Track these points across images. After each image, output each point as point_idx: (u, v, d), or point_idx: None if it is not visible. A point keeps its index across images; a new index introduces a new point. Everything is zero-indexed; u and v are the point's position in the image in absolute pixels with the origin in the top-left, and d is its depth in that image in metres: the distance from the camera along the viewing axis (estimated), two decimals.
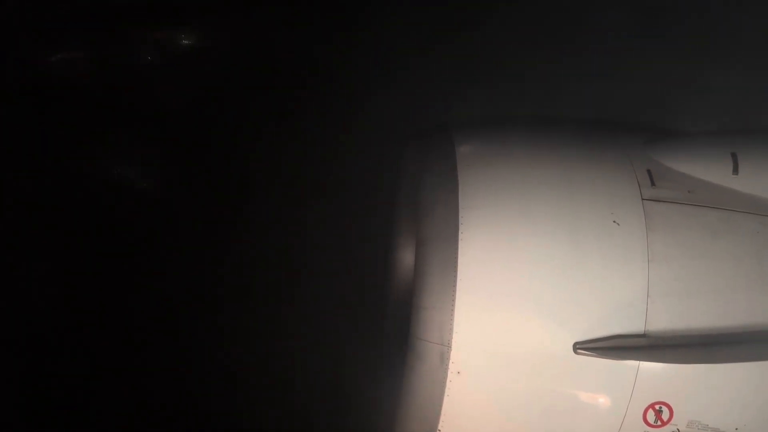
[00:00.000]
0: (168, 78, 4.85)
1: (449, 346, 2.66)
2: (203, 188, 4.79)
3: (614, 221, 2.74)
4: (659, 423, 2.72)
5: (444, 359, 2.67)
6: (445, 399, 2.71)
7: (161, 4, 4.90)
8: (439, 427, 2.77)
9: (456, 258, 2.68)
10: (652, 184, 2.85)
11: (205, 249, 4.65)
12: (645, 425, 2.72)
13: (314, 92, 4.77)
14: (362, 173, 4.34)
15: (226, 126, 4.76)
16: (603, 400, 2.71)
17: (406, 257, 3.41)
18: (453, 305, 2.65)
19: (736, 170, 2.93)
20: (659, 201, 2.82)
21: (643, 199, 2.81)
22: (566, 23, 4.39)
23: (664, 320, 2.66)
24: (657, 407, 2.71)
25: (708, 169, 2.94)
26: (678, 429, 2.74)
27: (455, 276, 2.66)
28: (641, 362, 2.65)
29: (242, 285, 4.61)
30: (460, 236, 2.70)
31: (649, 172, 2.88)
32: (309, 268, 4.51)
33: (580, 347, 2.62)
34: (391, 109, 4.30)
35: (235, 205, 4.70)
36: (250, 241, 4.53)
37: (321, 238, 4.51)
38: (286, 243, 4.56)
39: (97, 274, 4.69)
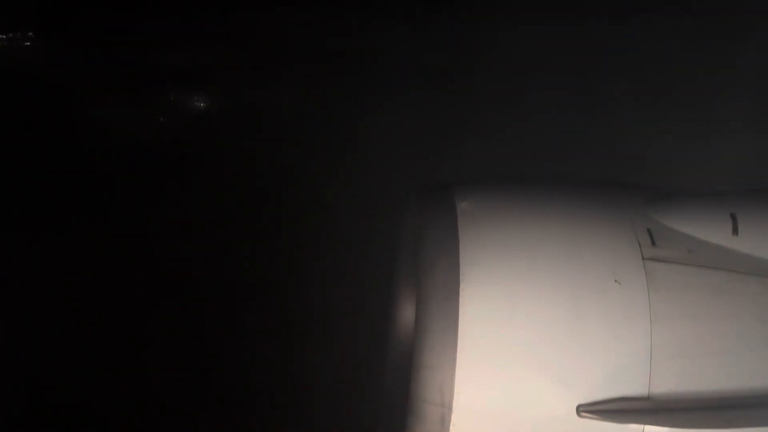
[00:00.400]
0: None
1: (450, 408, 2.59)
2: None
3: (616, 280, 2.72)
4: None
5: (445, 422, 2.60)
6: None
7: None
8: None
9: (457, 315, 2.64)
10: (653, 243, 2.83)
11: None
12: None
13: (313, 148, 4.81)
14: (363, 228, 4.33)
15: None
16: None
17: (406, 314, 3.36)
18: (454, 364, 2.59)
19: (735, 231, 2.92)
20: (660, 261, 2.79)
21: (644, 259, 2.78)
22: (568, 85, 4.45)
23: (668, 383, 2.61)
24: None
25: (708, 230, 2.93)
26: None
27: (456, 333, 2.62)
28: (646, 426, 2.59)
29: (241, 334, 4.57)
30: (461, 293, 2.66)
31: (649, 231, 2.87)
32: (307, 326, 4.46)
33: (584, 410, 2.57)
34: (392, 164, 4.32)
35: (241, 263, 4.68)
36: (245, 298, 4.50)
37: (320, 294, 4.48)
38: (284, 297, 4.53)
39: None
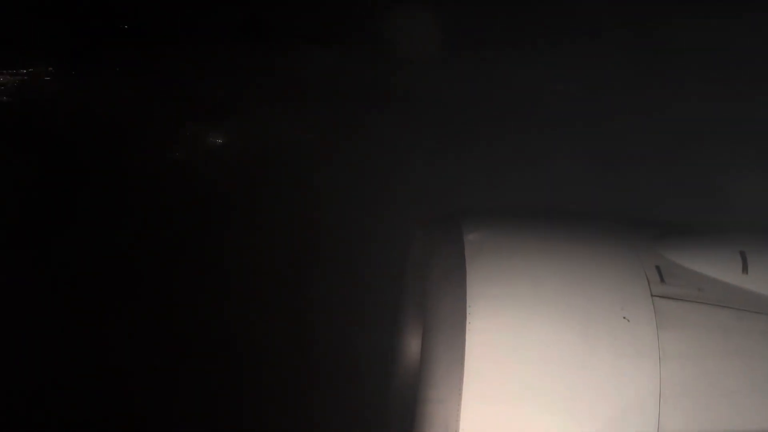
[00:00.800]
0: None
1: None
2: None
3: (624, 317, 2.69)
4: None
5: None
6: None
7: None
8: None
9: (463, 348, 2.60)
10: (662, 280, 2.81)
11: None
12: None
13: (321, 178, 4.84)
14: (369, 258, 4.32)
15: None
16: None
17: (412, 346, 3.33)
18: (460, 399, 2.55)
19: (745, 269, 2.89)
20: (669, 298, 2.77)
21: (652, 296, 2.75)
22: (578, 118, 4.47)
23: (677, 422, 2.56)
24: None
25: (717, 267, 2.90)
26: None
27: (462, 367, 2.58)
28: None
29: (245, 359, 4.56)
30: (468, 326, 2.63)
31: (658, 268, 2.85)
32: (312, 357, 4.44)
33: None
34: (400, 195, 4.33)
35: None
36: (250, 324, 4.49)
37: (325, 324, 4.46)
38: (289, 327, 4.52)
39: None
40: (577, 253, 2.87)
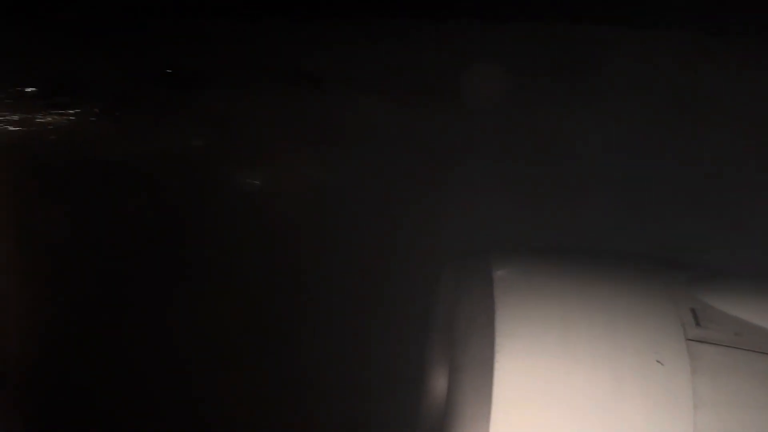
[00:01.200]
0: None
1: None
2: None
3: (657, 361, 2.62)
4: None
5: None
6: None
7: None
8: None
9: (491, 388, 2.55)
10: (697, 324, 2.74)
11: None
12: None
13: (344, 210, 4.85)
14: (395, 295, 4.30)
15: None
16: None
17: (438, 384, 3.28)
18: None
19: None
20: (705, 342, 2.69)
21: (687, 340, 2.68)
22: (611, 158, 4.44)
23: None
24: None
25: (756, 312, 2.82)
26: None
27: (489, 408, 2.53)
28: None
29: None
30: (496, 365, 2.58)
31: (693, 311, 2.78)
32: (335, 392, 4.41)
33: None
34: (428, 230, 4.33)
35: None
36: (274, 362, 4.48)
37: (350, 359, 4.43)
38: (311, 360, 4.50)
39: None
40: (609, 294, 2.82)
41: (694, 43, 4.69)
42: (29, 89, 5.09)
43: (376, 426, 4.19)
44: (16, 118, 5.07)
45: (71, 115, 5.18)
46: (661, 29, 4.65)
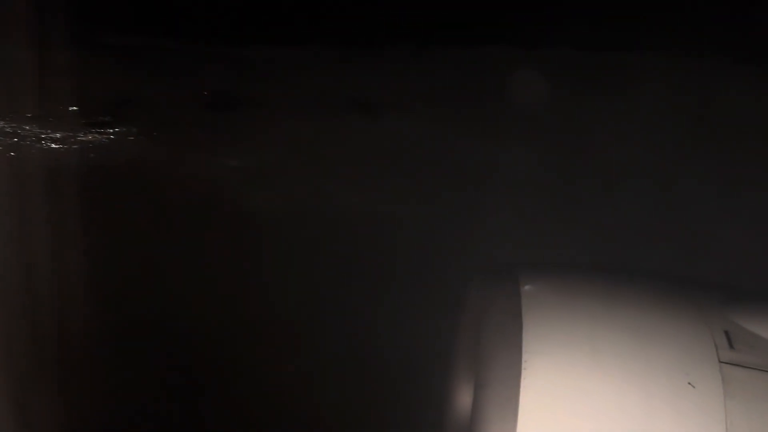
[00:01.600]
0: None
1: None
2: None
3: (689, 383, 2.55)
4: None
5: None
6: None
7: None
8: None
9: (517, 407, 2.50)
10: (731, 346, 2.67)
11: None
12: None
13: (371, 223, 4.85)
14: (422, 308, 4.28)
15: None
16: None
17: (463, 400, 3.23)
18: None
19: None
20: (738, 365, 2.62)
21: (720, 362, 2.62)
22: (645, 177, 4.41)
23: None
24: None
25: None
26: None
27: (514, 426, 2.48)
28: None
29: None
30: (523, 383, 2.53)
31: (727, 333, 2.71)
32: (361, 407, 4.39)
33: None
34: (455, 244, 4.31)
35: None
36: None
37: (375, 374, 4.41)
38: (335, 378, 4.49)
39: None
40: (640, 313, 2.76)
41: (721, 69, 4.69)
42: (73, 108, 5.18)
43: None
44: (58, 135, 5.16)
45: (111, 134, 5.26)
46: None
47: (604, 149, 4.80)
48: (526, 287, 2.85)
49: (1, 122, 5.00)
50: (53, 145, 5.18)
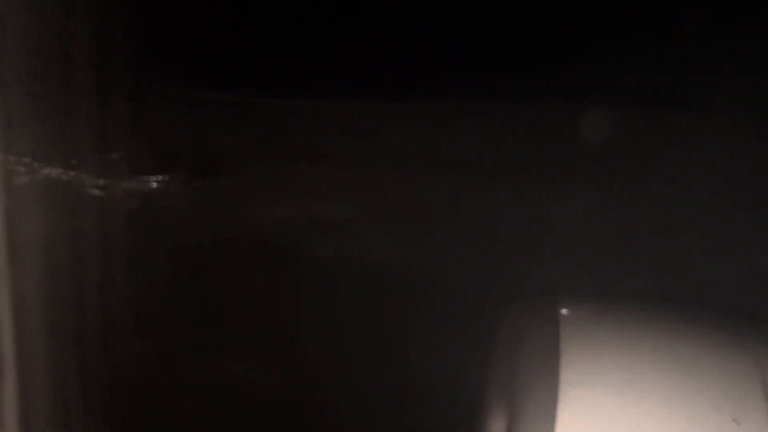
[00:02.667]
0: None
1: None
2: None
3: (734, 419, 2.45)
4: None
5: None
6: None
7: None
8: None
9: None
10: None
11: None
12: None
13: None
14: (455, 334, 4.23)
15: None
16: None
17: (496, 430, 3.16)
18: None
19: None
20: None
21: (767, 399, 2.51)
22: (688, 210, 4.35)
23: None
24: None
25: None
26: None
27: None
28: None
29: None
30: (559, 416, 2.45)
31: None
32: None
33: None
34: (490, 268, 4.27)
35: None
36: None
37: (405, 402, 4.37)
38: (365, 406, 4.45)
39: None
40: (683, 345, 2.68)
41: None
42: (115, 155, 5.28)
43: None
44: (101, 182, 5.27)
45: (155, 181, 5.36)
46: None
47: (651, 172, 4.76)
48: (565, 314, 2.78)
49: (51, 168, 5.12)
50: (96, 192, 5.29)
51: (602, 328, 2.79)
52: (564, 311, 2.81)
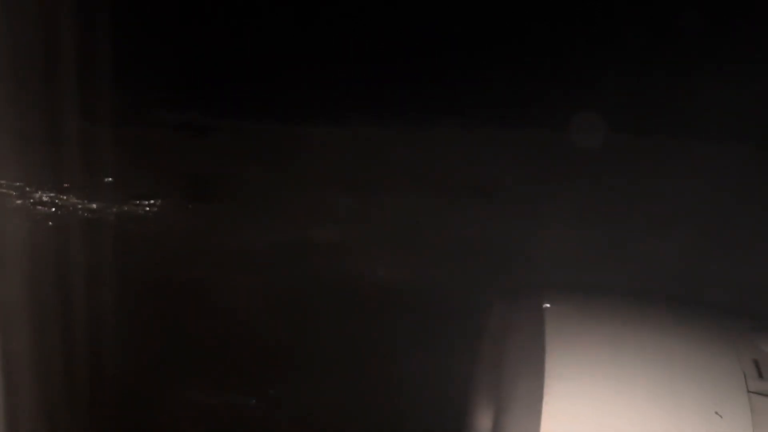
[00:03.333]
0: None
1: None
2: None
3: (716, 412, 2.49)
4: None
5: None
6: None
7: None
8: None
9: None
10: (760, 376, 2.62)
11: None
12: None
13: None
14: (443, 329, 4.26)
15: None
16: None
17: (483, 424, 3.19)
18: None
19: None
20: (767, 396, 2.56)
21: (749, 392, 2.56)
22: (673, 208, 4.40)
23: None
24: None
25: None
26: None
27: None
28: None
29: None
30: (544, 408, 2.49)
31: (756, 362, 2.66)
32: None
33: None
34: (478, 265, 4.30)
35: None
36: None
37: (396, 396, 4.38)
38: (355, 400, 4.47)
39: None
40: (666, 339, 2.72)
41: None
42: (109, 179, 5.29)
43: None
44: (94, 206, 5.28)
45: (147, 205, 5.36)
46: None
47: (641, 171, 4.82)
48: (550, 309, 2.82)
49: (42, 192, 5.13)
50: (87, 215, 5.29)
51: (588, 323, 2.82)
52: (549, 306, 2.84)
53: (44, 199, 5.10)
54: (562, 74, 4.71)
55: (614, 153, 4.65)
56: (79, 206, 5.21)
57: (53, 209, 5.14)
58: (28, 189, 4.95)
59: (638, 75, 4.64)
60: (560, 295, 2.98)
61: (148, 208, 5.33)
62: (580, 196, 4.63)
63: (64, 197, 5.15)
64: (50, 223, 5.05)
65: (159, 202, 5.34)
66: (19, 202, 4.90)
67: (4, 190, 4.72)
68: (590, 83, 4.58)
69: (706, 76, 4.45)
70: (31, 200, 5.02)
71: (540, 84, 4.73)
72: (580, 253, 4.48)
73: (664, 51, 4.57)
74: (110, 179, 5.23)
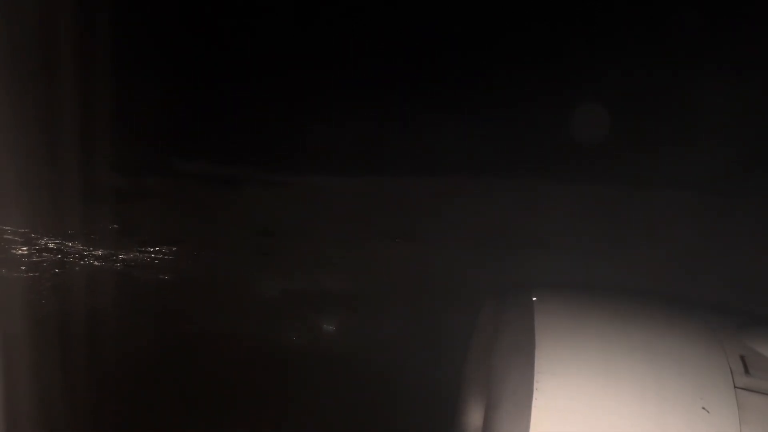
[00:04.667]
0: None
1: None
2: None
3: (703, 407, 2.52)
4: None
5: None
6: None
7: None
8: None
9: (528, 427, 2.48)
10: (746, 372, 2.64)
11: None
12: None
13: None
14: (436, 325, 4.27)
15: None
16: None
17: (474, 419, 3.21)
18: None
19: None
20: (754, 391, 2.58)
21: (735, 388, 2.58)
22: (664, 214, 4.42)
23: None
24: None
25: None
26: None
27: None
28: None
29: None
30: (534, 403, 2.51)
31: (742, 358, 2.68)
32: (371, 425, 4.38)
33: None
34: (469, 262, 4.30)
35: None
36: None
37: (386, 391, 4.40)
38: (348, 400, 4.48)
39: None
40: (655, 336, 2.73)
41: None
42: (114, 226, 5.31)
43: None
44: (99, 253, 5.29)
45: (152, 253, 5.36)
46: None
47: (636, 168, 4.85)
48: (539, 306, 2.83)
49: (47, 239, 5.14)
50: (95, 263, 5.31)
51: (578, 318, 2.83)
52: (538, 302, 2.86)
53: (49, 245, 5.14)
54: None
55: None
56: (86, 253, 5.25)
57: (59, 255, 5.19)
58: (33, 236, 5.00)
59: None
60: (550, 291, 2.99)
61: (155, 255, 5.37)
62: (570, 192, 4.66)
63: (70, 244, 5.19)
64: (56, 270, 5.09)
65: (171, 249, 5.38)
66: (24, 247, 4.94)
67: (9, 237, 4.75)
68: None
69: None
70: (37, 246, 5.06)
71: None
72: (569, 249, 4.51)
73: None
74: (119, 226, 5.27)
